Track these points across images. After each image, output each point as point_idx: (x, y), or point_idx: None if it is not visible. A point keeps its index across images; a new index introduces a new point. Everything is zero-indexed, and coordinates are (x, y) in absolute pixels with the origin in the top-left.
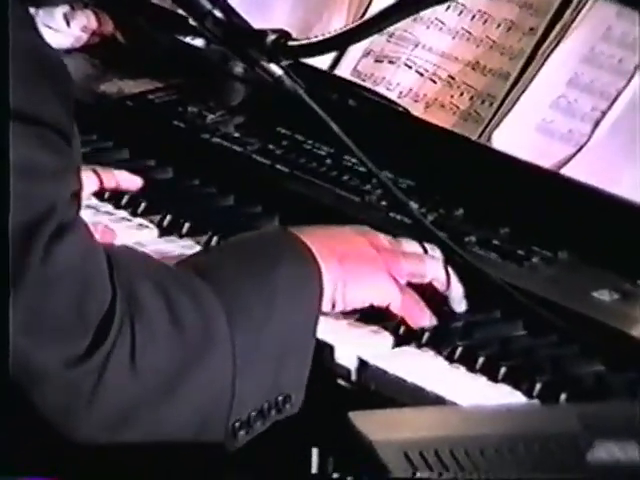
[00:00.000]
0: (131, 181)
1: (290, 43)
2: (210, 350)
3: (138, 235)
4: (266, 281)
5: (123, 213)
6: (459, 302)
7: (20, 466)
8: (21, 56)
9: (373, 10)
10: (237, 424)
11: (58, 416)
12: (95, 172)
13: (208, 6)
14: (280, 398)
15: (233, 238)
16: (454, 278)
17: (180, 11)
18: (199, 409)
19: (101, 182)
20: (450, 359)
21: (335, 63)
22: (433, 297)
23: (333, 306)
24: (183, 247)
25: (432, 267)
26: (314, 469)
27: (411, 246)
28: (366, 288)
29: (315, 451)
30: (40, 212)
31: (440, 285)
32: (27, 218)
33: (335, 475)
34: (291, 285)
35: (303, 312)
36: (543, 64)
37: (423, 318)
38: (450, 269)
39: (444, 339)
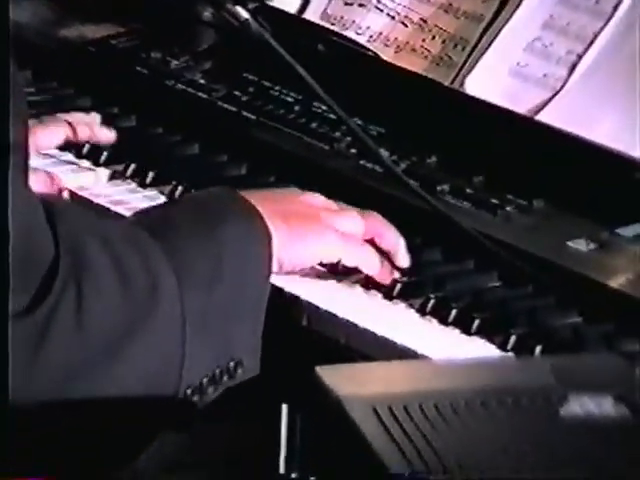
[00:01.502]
0: (106, 136)
1: None
2: (158, 309)
3: (82, 179)
4: (213, 240)
5: (85, 162)
6: (403, 257)
7: (20, 466)
8: None
9: None
10: (189, 390)
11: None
12: (68, 123)
13: None
14: (232, 363)
15: (178, 198)
16: (397, 233)
17: None
18: (148, 370)
19: (74, 133)
20: (422, 311)
21: (304, 6)
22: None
23: (280, 267)
24: (146, 197)
25: (375, 222)
26: (283, 426)
27: (346, 206)
28: (313, 246)
29: (285, 407)
30: None
31: (385, 242)
32: None
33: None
34: (239, 243)
35: (252, 271)
36: (517, 6)
37: (382, 270)
38: (389, 224)
39: (416, 291)
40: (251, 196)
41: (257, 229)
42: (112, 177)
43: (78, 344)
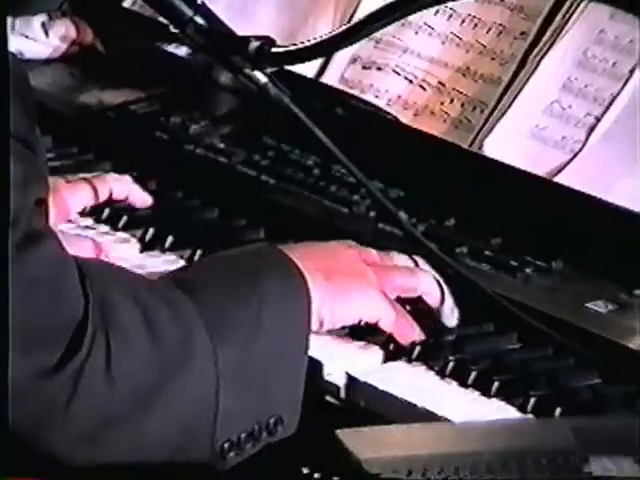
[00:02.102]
0: (142, 198)
1: (274, 50)
2: (189, 362)
3: (120, 249)
4: (251, 294)
5: (104, 227)
6: (450, 316)
7: (20, 466)
8: None
9: (360, 15)
10: (226, 445)
11: (34, 430)
12: (88, 182)
13: (189, 13)
14: (271, 420)
15: (215, 254)
16: (446, 292)
17: (161, 19)
18: (180, 423)
19: (96, 195)
20: (442, 374)
21: (322, 70)
22: (423, 311)
23: (321, 324)
24: (166, 262)
25: (424, 281)
26: None
27: (401, 260)
28: (355, 305)
29: (305, 470)
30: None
31: (432, 300)
32: None
33: None
34: (278, 299)
35: (292, 327)
36: (535, 69)
37: (412, 334)
38: (442, 282)
39: (435, 353)
40: (296, 250)
41: (296, 285)
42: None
43: (108, 400)
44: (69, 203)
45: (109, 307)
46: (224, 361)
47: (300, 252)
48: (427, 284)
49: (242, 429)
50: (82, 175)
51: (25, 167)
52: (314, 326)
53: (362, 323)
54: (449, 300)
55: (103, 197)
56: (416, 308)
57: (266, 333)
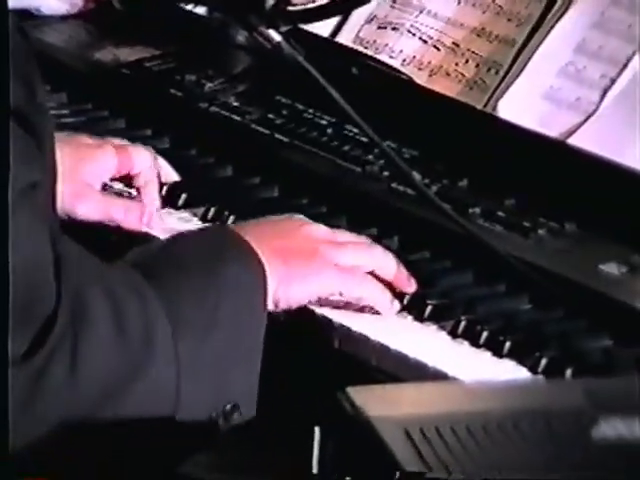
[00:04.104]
0: (167, 172)
1: (290, 8)
2: (152, 359)
3: None
4: (211, 286)
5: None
6: (406, 283)
7: (20, 466)
8: None
9: None
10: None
11: None
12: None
13: None
14: (228, 407)
15: (177, 237)
16: (391, 261)
17: None
18: (143, 418)
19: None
20: (453, 334)
21: (337, 30)
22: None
23: (276, 305)
24: (180, 219)
25: (376, 254)
26: (315, 447)
27: (348, 237)
28: (310, 283)
29: (317, 430)
30: None
31: (384, 273)
32: None
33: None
34: (236, 289)
35: (249, 317)
36: (550, 30)
37: (384, 299)
38: (387, 253)
39: (447, 313)
40: (251, 232)
41: (254, 272)
42: None
43: (71, 393)
44: (134, 160)
45: (81, 302)
46: (184, 353)
47: (256, 233)
48: (377, 257)
49: (199, 417)
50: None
51: (21, 147)
52: (269, 307)
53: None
54: (399, 268)
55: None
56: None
57: (224, 324)
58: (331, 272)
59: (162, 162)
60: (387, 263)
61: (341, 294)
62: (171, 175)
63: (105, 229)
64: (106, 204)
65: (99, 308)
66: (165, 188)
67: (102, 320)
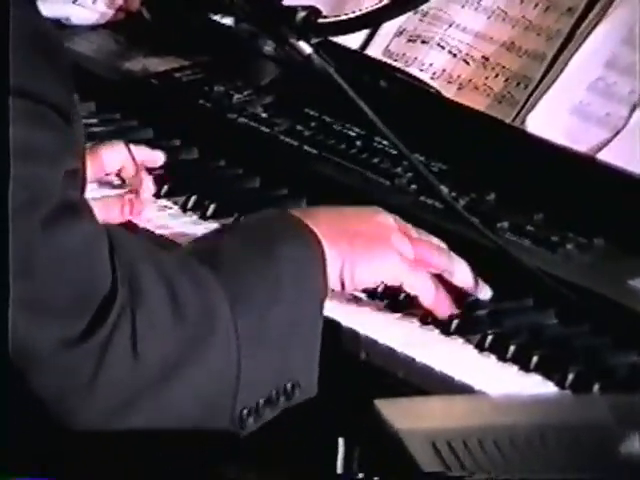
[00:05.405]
0: (152, 157)
1: (320, 20)
2: (212, 337)
3: (161, 217)
4: (268, 265)
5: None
6: (481, 290)
7: (20, 466)
8: (19, 34)
9: None
10: (245, 411)
11: (55, 399)
12: (126, 144)
13: None
14: (289, 385)
15: (232, 224)
16: (466, 269)
17: None
18: (202, 396)
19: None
20: (480, 347)
21: (367, 42)
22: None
23: (342, 286)
24: (207, 230)
25: (460, 267)
26: (340, 459)
27: (425, 236)
28: (375, 266)
29: (341, 441)
30: (36, 193)
31: (452, 278)
32: (23, 199)
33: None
34: (294, 267)
35: (308, 294)
36: (581, 45)
37: (446, 305)
38: (462, 260)
39: (474, 327)
40: (320, 215)
41: (312, 250)
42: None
43: (133, 371)
44: (105, 160)
45: (136, 281)
46: (243, 334)
47: (322, 217)
48: (463, 273)
49: (261, 396)
50: None
51: (57, 136)
52: (336, 286)
53: (387, 286)
54: (472, 277)
55: (139, 159)
56: (448, 283)
57: (282, 301)
58: (396, 259)
59: (144, 150)
60: (458, 268)
61: (401, 284)
62: (157, 159)
63: None
64: None
65: (154, 287)
66: (194, 199)
67: (158, 299)
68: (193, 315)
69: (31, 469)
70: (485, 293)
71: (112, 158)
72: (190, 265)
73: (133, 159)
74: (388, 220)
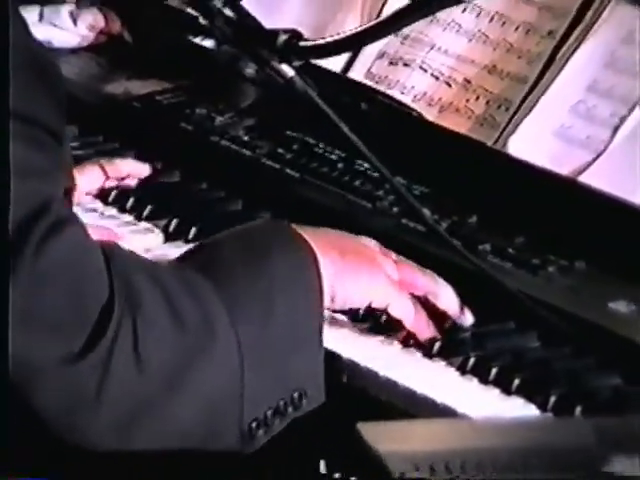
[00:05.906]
0: (138, 169)
1: (302, 43)
2: (213, 343)
3: (144, 240)
4: (263, 274)
5: (128, 217)
6: (464, 316)
7: (20, 466)
8: (18, 59)
9: (388, 10)
10: (254, 424)
11: (61, 418)
12: (100, 166)
13: (218, 4)
14: (296, 394)
15: (226, 231)
16: (451, 293)
17: (190, 10)
18: (209, 405)
19: (106, 175)
20: (462, 370)
21: (348, 65)
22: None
23: (332, 299)
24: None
25: (445, 292)
26: None
27: (401, 260)
28: (365, 285)
29: (322, 463)
30: (33, 209)
31: (437, 301)
32: (20, 216)
33: None
34: (288, 274)
35: (305, 301)
36: (562, 68)
37: (424, 326)
38: (446, 284)
39: (456, 349)
40: (305, 229)
41: (306, 258)
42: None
43: (139, 381)
44: (77, 184)
45: (133, 290)
46: (244, 339)
47: (315, 232)
48: (448, 296)
49: (268, 406)
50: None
51: (50, 157)
52: (326, 301)
53: (372, 307)
54: (457, 301)
55: (113, 177)
56: (430, 306)
57: (279, 310)
58: (385, 280)
59: (130, 162)
60: (443, 292)
61: (386, 307)
62: (142, 171)
63: None
64: None
65: (150, 295)
66: (175, 222)
67: (156, 306)
68: (192, 322)
69: (31, 469)
70: (467, 319)
71: (83, 182)
72: (185, 273)
73: (107, 178)
74: (371, 243)
